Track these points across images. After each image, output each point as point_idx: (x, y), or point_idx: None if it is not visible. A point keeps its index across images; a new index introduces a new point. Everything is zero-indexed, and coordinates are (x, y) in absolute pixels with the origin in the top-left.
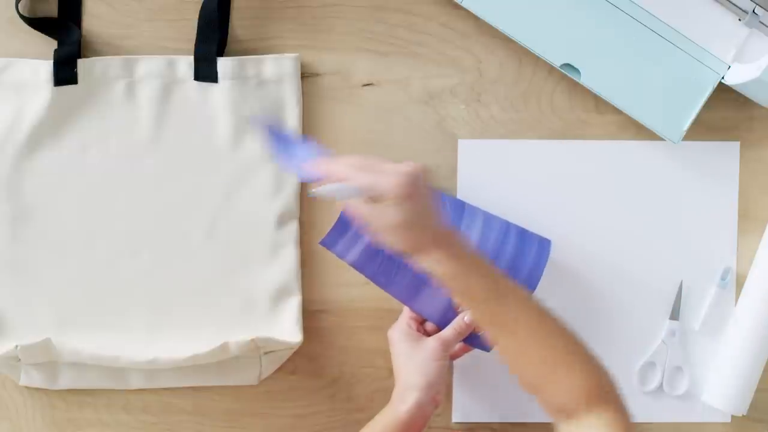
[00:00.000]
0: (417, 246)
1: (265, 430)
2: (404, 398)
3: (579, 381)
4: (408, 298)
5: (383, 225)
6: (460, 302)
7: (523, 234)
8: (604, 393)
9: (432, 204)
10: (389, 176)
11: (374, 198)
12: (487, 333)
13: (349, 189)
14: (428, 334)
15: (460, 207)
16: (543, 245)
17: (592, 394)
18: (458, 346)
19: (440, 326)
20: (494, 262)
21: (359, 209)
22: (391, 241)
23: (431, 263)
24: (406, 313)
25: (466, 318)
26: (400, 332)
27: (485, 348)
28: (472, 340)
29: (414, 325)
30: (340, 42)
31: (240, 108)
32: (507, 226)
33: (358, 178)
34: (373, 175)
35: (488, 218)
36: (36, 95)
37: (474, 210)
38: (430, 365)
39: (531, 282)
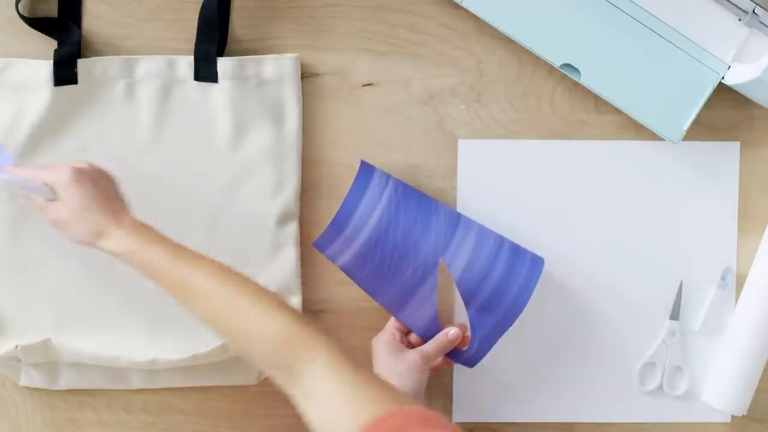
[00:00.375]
0: (95, 231)
1: (265, 430)
2: None
3: (274, 329)
4: (394, 308)
5: (59, 217)
6: (145, 275)
7: (516, 250)
8: (307, 337)
9: (104, 191)
10: (57, 170)
11: (50, 195)
12: (180, 302)
13: (21, 180)
14: (412, 345)
15: (456, 219)
16: (535, 263)
17: (295, 341)
18: (440, 359)
19: (424, 338)
20: (485, 276)
21: (40, 206)
22: (70, 231)
23: (112, 245)
24: (392, 323)
25: (449, 334)
26: (383, 342)
27: (468, 363)
28: (455, 355)
29: (398, 336)
30: (340, 42)
31: (240, 108)
32: (501, 241)
33: (31, 173)
34: (44, 171)
35: (482, 233)
36: (36, 95)
37: (469, 223)
38: (410, 377)
39: (520, 300)
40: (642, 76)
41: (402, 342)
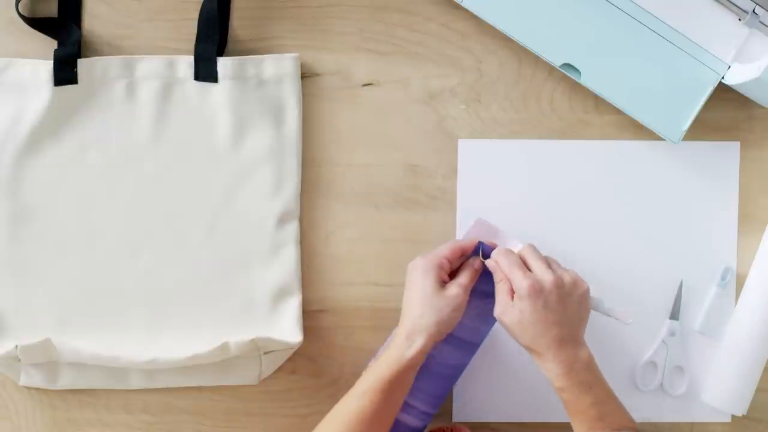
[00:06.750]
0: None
1: (265, 430)
2: (411, 342)
3: None
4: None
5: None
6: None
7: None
8: None
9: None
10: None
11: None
12: None
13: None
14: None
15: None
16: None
17: None
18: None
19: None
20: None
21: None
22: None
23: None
24: (442, 251)
25: (474, 265)
26: (430, 268)
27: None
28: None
29: (446, 267)
30: (340, 42)
31: (240, 108)
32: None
33: None
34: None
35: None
36: (36, 95)
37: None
38: (448, 314)
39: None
40: (642, 76)
41: (446, 276)
